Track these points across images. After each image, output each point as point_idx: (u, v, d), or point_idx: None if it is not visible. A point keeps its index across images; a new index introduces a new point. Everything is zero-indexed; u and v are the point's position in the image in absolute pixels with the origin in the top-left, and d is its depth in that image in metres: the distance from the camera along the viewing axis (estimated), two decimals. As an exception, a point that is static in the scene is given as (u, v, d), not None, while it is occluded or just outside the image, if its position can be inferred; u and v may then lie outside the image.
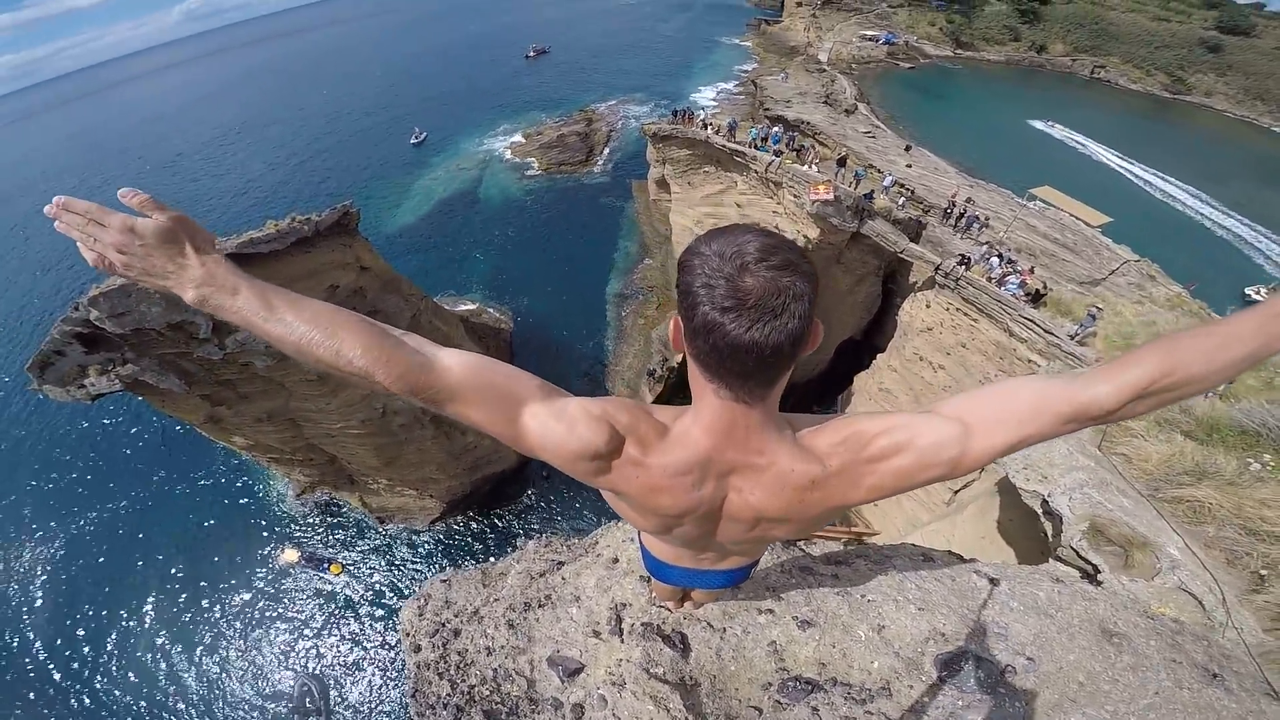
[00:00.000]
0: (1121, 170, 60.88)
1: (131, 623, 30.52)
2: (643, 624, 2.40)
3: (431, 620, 2.68)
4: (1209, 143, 66.67)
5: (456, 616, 2.65)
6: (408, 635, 2.70)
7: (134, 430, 39.54)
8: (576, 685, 2.27)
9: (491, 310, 45.27)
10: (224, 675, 28.68)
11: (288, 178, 70.43)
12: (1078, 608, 3.00)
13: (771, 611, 2.50)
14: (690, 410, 1.36)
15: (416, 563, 32.12)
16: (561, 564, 2.83)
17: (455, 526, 33.41)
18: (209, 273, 1.12)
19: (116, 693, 28.34)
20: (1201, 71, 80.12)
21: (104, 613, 30.97)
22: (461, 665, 2.41)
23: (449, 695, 2.28)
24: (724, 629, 2.43)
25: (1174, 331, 1.21)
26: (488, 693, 2.28)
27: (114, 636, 30.11)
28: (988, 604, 2.88)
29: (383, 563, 32.25)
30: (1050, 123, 70.57)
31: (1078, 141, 67.16)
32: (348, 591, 31.09)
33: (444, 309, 36.06)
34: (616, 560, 2.70)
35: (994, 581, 3.08)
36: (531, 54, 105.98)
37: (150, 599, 31.33)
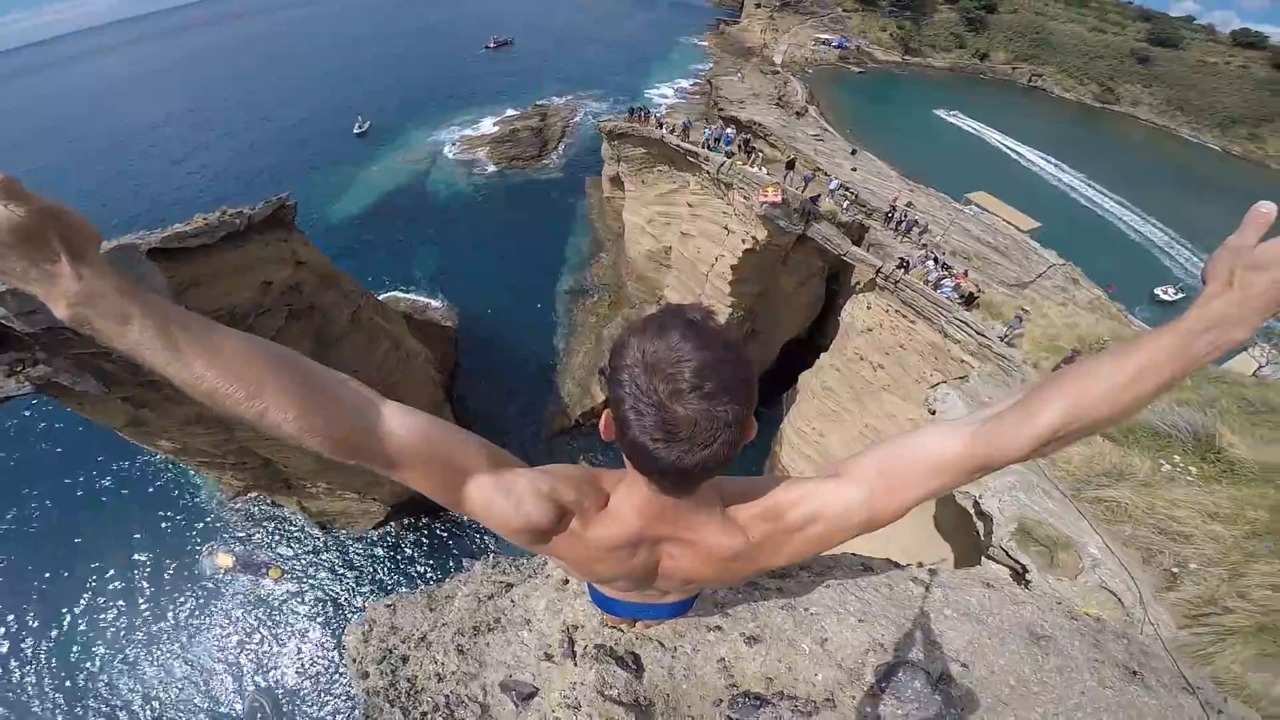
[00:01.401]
0: (1049, 176, 64.59)
1: (48, 634, 28.53)
2: (595, 645, 2.41)
3: (378, 646, 2.62)
4: (1132, 151, 71.43)
5: (404, 642, 2.60)
6: (354, 661, 2.64)
7: (46, 426, 36.84)
8: (531, 710, 2.27)
9: (437, 306, 44.26)
10: (158, 690, 27.14)
11: (223, 167, 66.73)
12: (1007, 612, 3.15)
13: (720, 628, 2.55)
14: (626, 481, 1.36)
15: (362, 568, 31.16)
16: (510, 586, 2.82)
17: (401, 531, 32.51)
18: (87, 290, 0.87)
19: (30, 709, 26.41)
20: (1130, 82, 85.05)
21: (17, 623, 28.86)
22: (412, 692, 2.37)
23: (399, 725, 2.25)
24: (675, 647, 2.47)
25: (1085, 362, 1.16)
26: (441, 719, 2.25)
27: (29, 649, 28.08)
28: (923, 612, 3.01)
29: (325, 568, 31.13)
30: (954, 112, 76.82)
31: (972, 129, 73.31)
32: (290, 598, 29.89)
33: (387, 306, 34.97)
34: (567, 582, 2.71)
35: (929, 589, 3.21)
36: (491, 45, 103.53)
37: (69, 609, 29.32)
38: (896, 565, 3.42)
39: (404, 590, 2.97)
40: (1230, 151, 72.89)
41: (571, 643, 2.46)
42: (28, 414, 36.60)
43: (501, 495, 1.27)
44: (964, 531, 8.98)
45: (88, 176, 67.69)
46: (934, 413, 10.52)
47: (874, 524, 1.34)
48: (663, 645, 2.46)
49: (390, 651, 2.57)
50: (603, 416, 1.19)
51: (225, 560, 30.63)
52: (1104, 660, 2.95)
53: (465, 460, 1.25)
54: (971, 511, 6.61)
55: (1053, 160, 66.72)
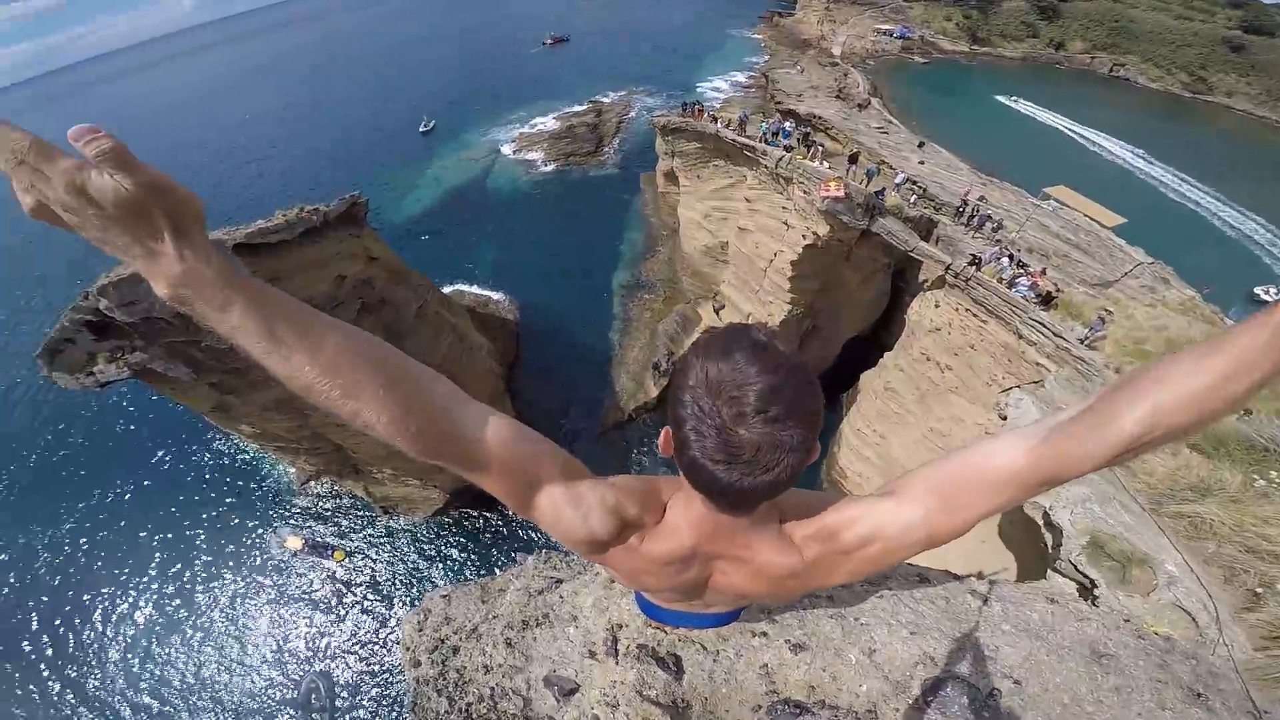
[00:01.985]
0: (1136, 170, 60.41)
1: (128, 608, 30.90)
2: (638, 645, 2.44)
3: (431, 636, 2.72)
4: (1228, 143, 66.10)
5: (455, 633, 2.70)
6: (408, 650, 2.75)
7: (135, 410, 39.87)
8: (571, 705, 2.32)
9: (500, 300, 45.51)
10: (225, 664, 29.01)
11: (295, 165, 70.66)
12: (1069, 629, 3.01)
13: (765, 634, 2.53)
14: (683, 495, 1.35)
15: (420, 554, 32.40)
16: (560, 582, 2.88)
17: (459, 519, 33.61)
18: (189, 271, 0.83)
19: (114, 681, 28.61)
20: (1223, 71, 79.06)
21: (102, 598, 31.27)
22: (460, 683, 2.46)
23: (447, 712, 2.33)
24: (718, 651, 2.46)
25: (1163, 362, 1.05)
26: (485, 710, 2.33)
27: (112, 622, 30.46)
28: (979, 626, 2.91)
29: (386, 552, 32.53)
30: (1015, 98, 74.43)
31: (1032, 113, 70.56)
32: (352, 580, 31.40)
33: (451, 300, 36.18)
34: (614, 581, 2.75)
35: (987, 602, 3.10)
36: (549, 41, 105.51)
37: (148, 584, 31.66)
38: (955, 577, 3.30)
39: (459, 581, 3.08)
40: None
41: (615, 641, 2.49)
42: (114, 399, 39.55)
43: (570, 507, 1.29)
44: (1030, 541, 8.60)
45: (181, 173, 72.70)
46: (1005, 418, 10.04)
47: (933, 543, 1.29)
48: (705, 648, 2.46)
49: (443, 642, 2.67)
50: (662, 433, 1.19)
51: (294, 542, 32.39)
52: (1167, 681, 2.80)
53: (541, 470, 1.27)
54: (1040, 522, 6.27)
55: (1139, 153, 62.56)
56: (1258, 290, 43.45)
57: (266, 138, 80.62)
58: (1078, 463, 1.09)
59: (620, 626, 2.53)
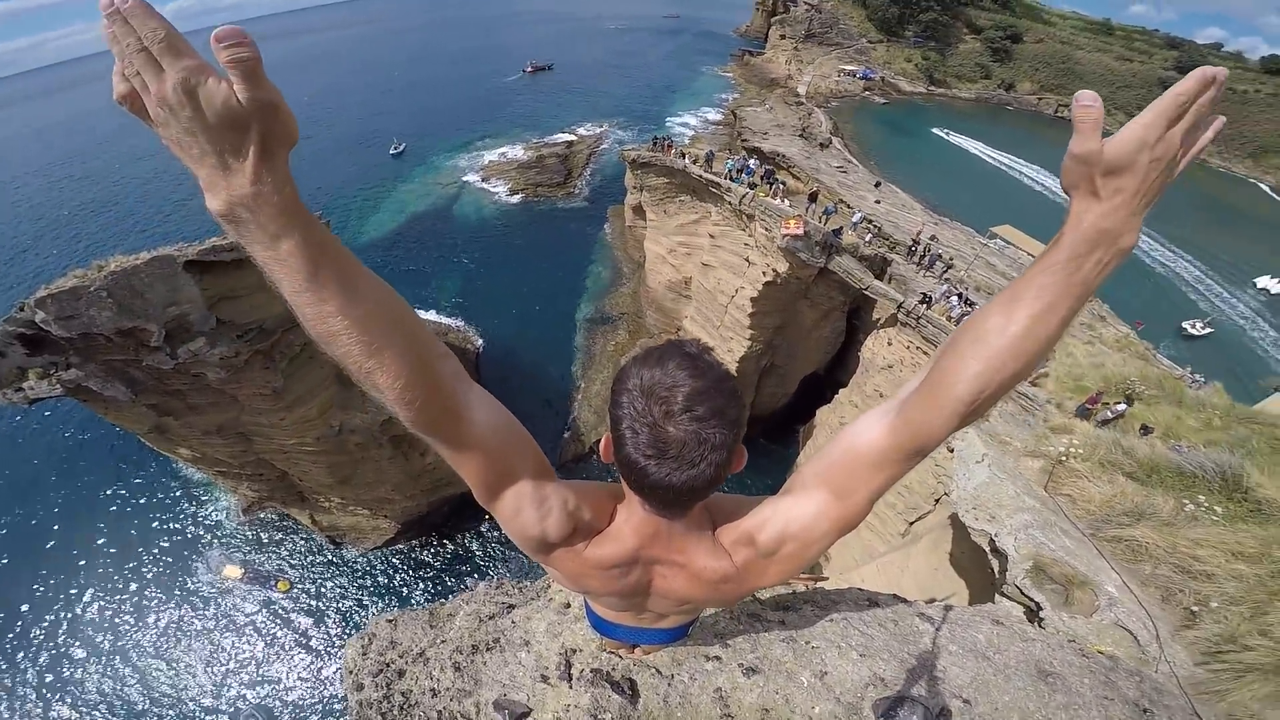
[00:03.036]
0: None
1: (52, 635, 28.74)
2: (592, 670, 2.40)
3: (375, 659, 2.63)
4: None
5: (401, 657, 2.61)
6: (351, 673, 2.65)
7: (66, 429, 37.65)
8: (522, 731, 2.26)
9: (459, 328, 44.87)
10: (154, 695, 27.10)
11: None
12: (1015, 649, 3.09)
13: (718, 658, 2.53)
14: (625, 501, 1.41)
15: (368, 585, 31.13)
16: (512, 607, 2.82)
17: (410, 550, 32.53)
18: (258, 195, 0.81)
19: (36, 712, 26.44)
20: None
21: (20, 622, 29.08)
22: (405, 706, 2.37)
23: (390, 740, 2.25)
24: (672, 675, 2.44)
25: (972, 322, 1.10)
26: (430, 737, 2.25)
27: (30, 650, 28.22)
28: (928, 648, 2.95)
29: (332, 583, 31.14)
30: (947, 131, 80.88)
31: (967, 146, 76.85)
32: (295, 610, 29.91)
33: (411, 325, 35.47)
34: (569, 605, 2.71)
35: (935, 625, 3.16)
36: (529, 69, 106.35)
37: (69, 609, 29.58)
38: (904, 601, 3.36)
39: (407, 607, 2.99)
40: (1263, 181, 71.39)
41: (569, 665, 2.45)
42: (48, 415, 37.46)
43: (532, 507, 1.31)
44: (979, 568, 8.80)
45: (136, 188, 70.35)
46: (952, 450, 10.35)
47: (842, 529, 1.34)
48: (660, 672, 2.44)
49: (388, 665, 2.58)
50: (604, 439, 1.26)
51: (234, 571, 30.78)
52: (1114, 698, 2.90)
53: (519, 464, 1.29)
54: (986, 549, 6.48)
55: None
56: (1185, 325, 45.95)
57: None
58: (930, 433, 1.16)
59: (574, 651, 2.49)
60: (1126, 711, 2.80)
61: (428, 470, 30.14)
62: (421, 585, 31.29)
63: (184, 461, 26.51)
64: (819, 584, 3.85)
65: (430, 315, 45.63)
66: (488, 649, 2.57)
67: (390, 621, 2.79)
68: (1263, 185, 71.98)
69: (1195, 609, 5.10)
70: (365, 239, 55.71)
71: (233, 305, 20.27)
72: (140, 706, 26.80)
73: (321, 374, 24.21)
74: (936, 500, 24.02)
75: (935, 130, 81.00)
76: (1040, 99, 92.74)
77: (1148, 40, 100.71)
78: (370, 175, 67.90)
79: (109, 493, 34.51)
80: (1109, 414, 15.30)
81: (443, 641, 2.65)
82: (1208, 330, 45.65)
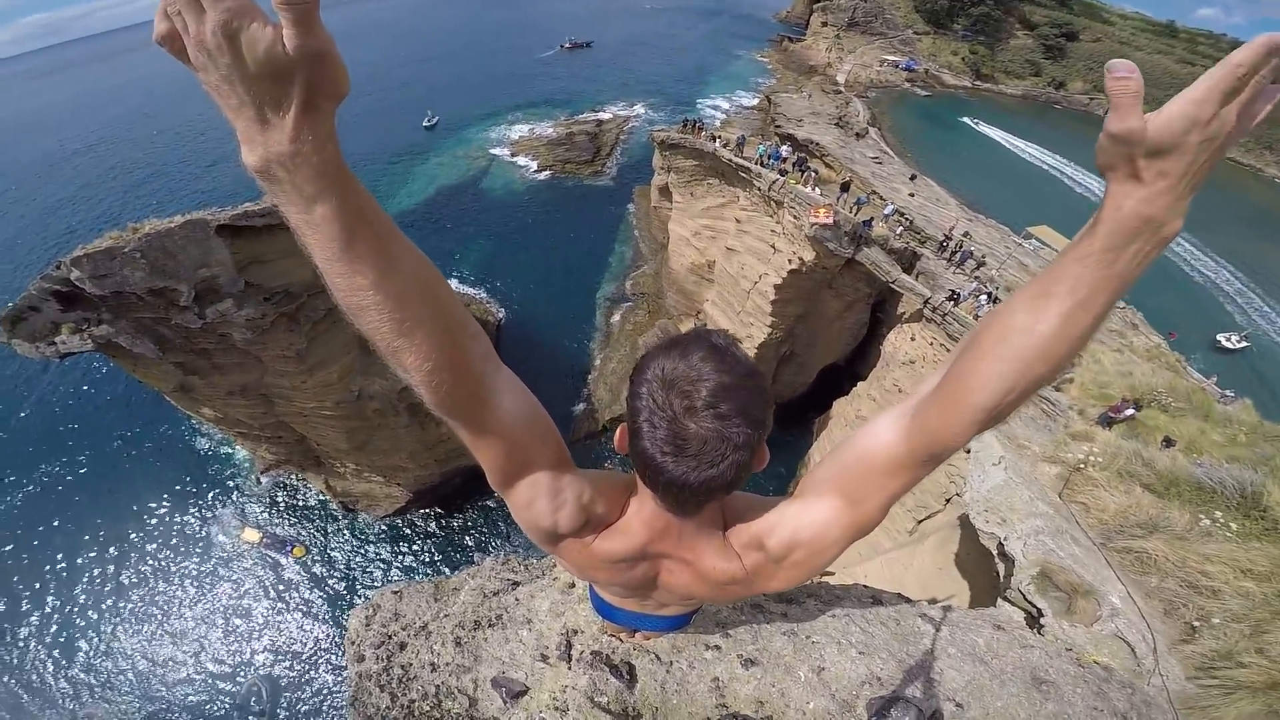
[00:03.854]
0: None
1: (69, 591, 29.71)
2: (592, 652, 2.43)
3: (378, 631, 2.69)
4: (1209, 190, 67.86)
5: (404, 630, 2.66)
6: (353, 644, 2.71)
7: (91, 388, 38.71)
8: (519, 708, 2.30)
9: (482, 298, 45.38)
10: (168, 656, 27.91)
11: None
12: (1013, 655, 3.08)
13: (718, 648, 2.55)
14: (637, 495, 1.37)
15: (381, 554, 31.69)
16: (517, 584, 2.86)
17: (421, 520, 33.06)
18: (296, 154, 0.73)
19: (48, 666, 27.46)
20: None
21: (41, 580, 30.01)
22: (404, 679, 2.43)
23: (388, 708, 2.30)
24: (671, 662, 2.47)
25: (995, 319, 1.01)
26: (428, 708, 2.30)
27: (51, 605, 29.21)
28: (926, 649, 2.95)
29: (346, 552, 31.70)
30: (976, 120, 79.94)
31: (999, 138, 75.93)
32: (307, 577, 30.52)
33: (433, 297, 35.74)
34: (573, 585, 2.74)
35: (937, 626, 3.15)
36: (567, 45, 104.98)
37: (89, 568, 30.55)
38: (907, 600, 3.36)
39: (413, 578, 3.05)
40: None
41: (569, 646, 2.49)
42: (70, 375, 38.43)
43: (547, 498, 1.27)
44: (984, 571, 8.75)
45: (173, 154, 71.42)
46: (969, 451, 10.20)
47: (853, 536, 1.29)
48: (659, 659, 2.46)
49: (389, 637, 2.64)
50: (619, 429, 1.23)
51: (252, 535, 31.41)
52: (1103, 710, 2.88)
53: (539, 454, 1.24)
54: (994, 552, 6.42)
55: None
56: (1220, 337, 44.10)
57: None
58: (947, 440, 1.09)
59: (575, 632, 2.52)
60: (1115, 724, 2.73)
61: (442, 440, 30.59)
62: (431, 555, 31.84)
63: (206, 421, 27.17)
64: (823, 578, 3.85)
65: (453, 284, 45.67)
66: (490, 625, 2.62)
67: (396, 593, 2.85)
68: (1319, 198, 68.90)
69: (1196, 624, 5.02)
70: (394, 209, 56.05)
71: (262, 269, 20.62)
72: (142, 666, 27.61)
73: (344, 338, 24.59)
74: (947, 500, 23.81)
75: (964, 119, 79.82)
76: (1091, 99, 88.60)
77: (1213, 44, 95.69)
78: (403, 147, 68.19)
79: (130, 452, 35.49)
80: (1113, 415, 15.04)
81: (446, 615, 2.69)
82: (1244, 344, 43.83)
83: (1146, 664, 4.42)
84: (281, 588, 30.13)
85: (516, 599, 2.74)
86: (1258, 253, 54.86)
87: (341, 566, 31.15)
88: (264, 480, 33.30)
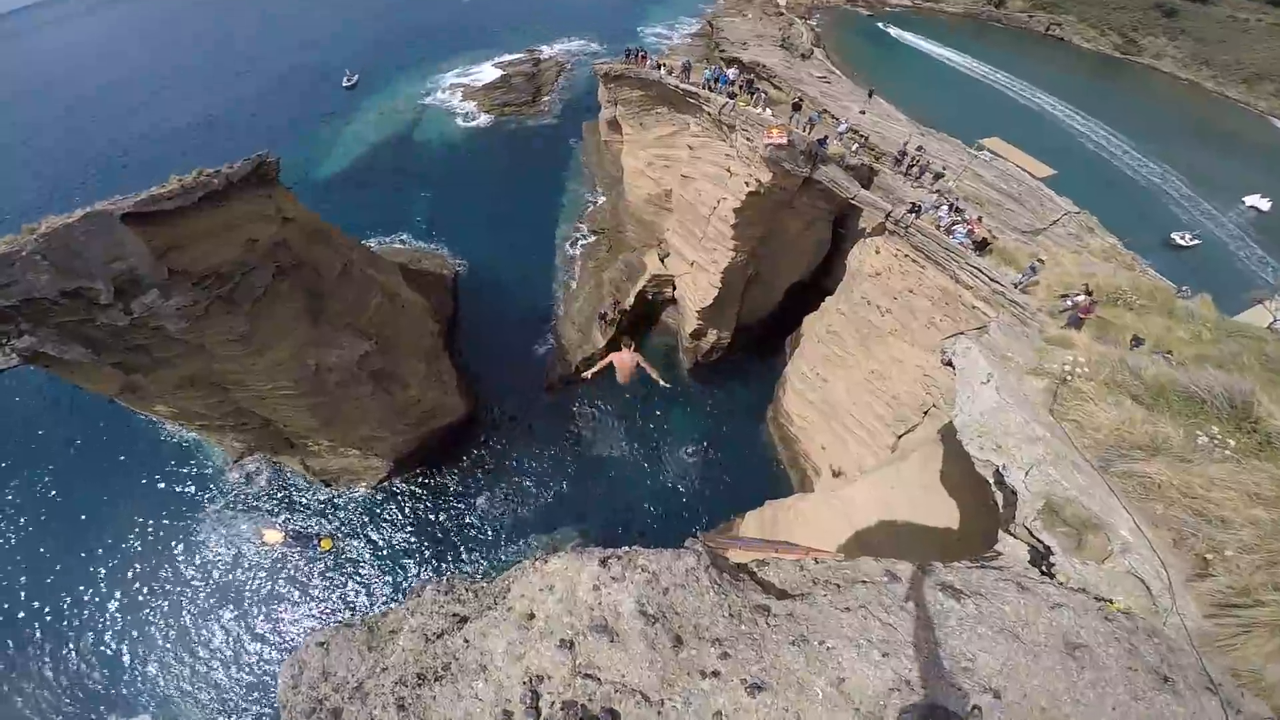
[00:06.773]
0: (1066, 123, 63.35)
1: (90, 598, 28.33)
2: (564, 703, 1.98)
3: (307, 695, 2.21)
4: (1151, 103, 70.16)
5: (336, 691, 2.18)
6: (284, 707, 2.22)
7: (38, 399, 36.17)
8: (479, 788, 1.84)
9: (435, 253, 44.02)
10: (209, 667, 26.75)
11: (209, 126, 63.90)
12: (1043, 620, 2.80)
13: (717, 674, 2.12)
14: None
15: (396, 524, 30.89)
16: (464, 620, 2.37)
17: (406, 484, 32.42)
18: None
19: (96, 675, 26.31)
20: (1154, 34, 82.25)
21: (68, 594, 28.50)
22: (338, 763, 1.95)
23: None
24: (662, 701, 2.04)
25: None
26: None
27: (81, 618, 27.71)
28: (955, 632, 2.59)
29: (369, 533, 30.70)
30: (903, 32, 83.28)
31: (921, 46, 79.82)
32: (345, 563, 29.50)
33: (379, 257, 34.21)
34: (532, 616, 2.26)
35: (959, 598, 2.80)
36: None
37: (118, 585, 28.82)
38: (923, 570, 2.98)
39: (339, 622, 2.53)
40: (1255, 106, 70.67)
41: (535, 697, 2.03)
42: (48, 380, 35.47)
43: None
44: (970, 488, 8.63)
45: (72, 140, 65.01)
46: (950, 364, 9.94)
47: None
48: (647, 699, 2.02)
49: (321, 703, 2.16)
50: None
51: (274, 536, 29.91)
52: (1137, 668, 2.74)
53: None
54: (991, 481, 6.16)
55: (1068, 108, 65.74)
56: (1174, 235, 46.82)
57: (175, 99, 71.37)
58: None
59: (541, 678, 2.05)
60: (1149, 682, 2.67)
61: (412, 404, 29.75)
62: (447, 514, 31.19)
63: (163, 419, 25.65)
64: (822, 554, 3.45)
65: (404, 240, 44.59)
66: (436, 679, 2.14)
67: (321, 645, 2.35)
68: (1255, 110, 71.02)
69: (1209, 556, 4.85)
70: (325, 173, 53.23)
71: (183, 254, 19.08)
72: (171, 684, 26.49)
73: (289, 312, 23.28)
74: (925, 412, 24.20)
75: (889, 29, 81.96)
76: (1031, 16, 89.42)
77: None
78: (325, 111, 63.70)
79: (97, 460, 33.25)
80: (1068, 304, 15.13)
81: (383, 670, 2.21)
82: (1196, 242, 46.39)
83: (1163, 602, 4.20)
84: (325, 583, 28.89)
85: (465, 640, 2.26)
86: (1201, 160, 56.99)
87: (375, 540, 30.26)
88: (238, 473, 31.92)
